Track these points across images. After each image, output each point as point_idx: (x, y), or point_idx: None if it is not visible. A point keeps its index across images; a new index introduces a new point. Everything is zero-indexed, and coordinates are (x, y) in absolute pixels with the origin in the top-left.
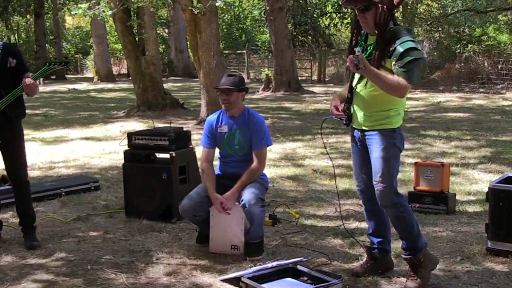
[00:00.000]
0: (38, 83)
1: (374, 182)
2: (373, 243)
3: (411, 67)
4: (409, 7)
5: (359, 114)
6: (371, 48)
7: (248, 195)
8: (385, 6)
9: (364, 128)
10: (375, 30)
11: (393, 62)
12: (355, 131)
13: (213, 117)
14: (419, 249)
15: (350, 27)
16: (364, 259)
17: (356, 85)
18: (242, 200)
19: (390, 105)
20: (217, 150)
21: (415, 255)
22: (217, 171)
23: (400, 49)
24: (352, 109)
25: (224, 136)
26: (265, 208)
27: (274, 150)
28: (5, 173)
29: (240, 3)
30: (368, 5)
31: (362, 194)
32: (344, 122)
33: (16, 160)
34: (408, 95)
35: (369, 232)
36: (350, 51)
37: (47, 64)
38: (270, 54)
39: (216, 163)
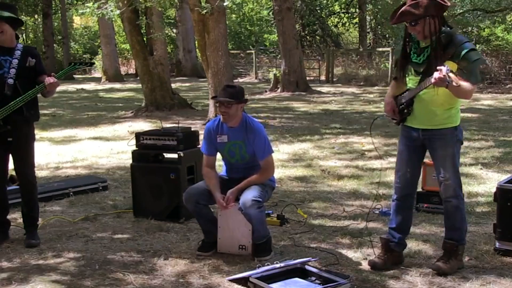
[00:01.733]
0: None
1: (440, 178)
2: (394, 237)
3: (473, 68)
4: None
5: (422, 115)
6: (427, 51)
7: (244, 197)
8: (430, 16)
9: (427, 127)
10: (428, 39)
11: (456, 65)
12: (412, 130)
13: (212, 124)
14: (463, 242)
15: (358, 26)
16: (380, 252)
17: None
18: (239, 203)
19: (451, 104)
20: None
21: (458, 243)
22: (223, 172)
23: (461, 51)
24: (412, 109)
25: (224, 146)
26: (264, 208)
27: (282, 151)
28: (13, 173)
29: (253, 2)
30: (415, 20)
31: (400, 190)
32: (396, 123)
33: (25, 160)
34: None
35: (392, 226)
36: (403, 57)
37: (72, 63)
38: (278, 54)
39: (221, 163)
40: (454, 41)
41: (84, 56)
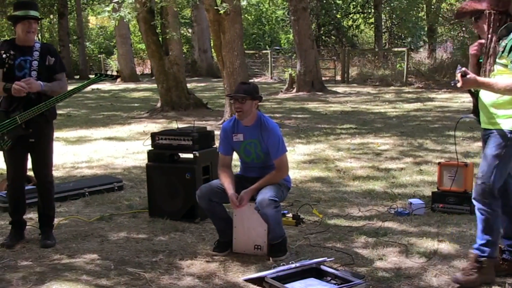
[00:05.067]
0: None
1: (477, 176)
2: (504, 245)
3: None
4: (433, 7)
5: (482, 115)
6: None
7: (260, 197)
8: (492, 10)
9: (486, 127)
10: (488, 35)
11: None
12: (482, 130)
13: (228, 124)
14: (486, 256)
15: (374, 26)
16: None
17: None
18: (255, 203)
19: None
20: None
21: (481, 256)
22: (239, 172)
23: (510, 44)
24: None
25: (240, 145)
26: (280, 208)
27: (298, 151)
28: (30, 172)
29: (269, 3)
30: (477, 15)
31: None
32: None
33: (43, 160)
34: (432, 95)
35: (502, 234)
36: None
37: (98, 74)
38: (294, 54)
39: (238, 163)
40: (507, 34)
41: (99, 56)
